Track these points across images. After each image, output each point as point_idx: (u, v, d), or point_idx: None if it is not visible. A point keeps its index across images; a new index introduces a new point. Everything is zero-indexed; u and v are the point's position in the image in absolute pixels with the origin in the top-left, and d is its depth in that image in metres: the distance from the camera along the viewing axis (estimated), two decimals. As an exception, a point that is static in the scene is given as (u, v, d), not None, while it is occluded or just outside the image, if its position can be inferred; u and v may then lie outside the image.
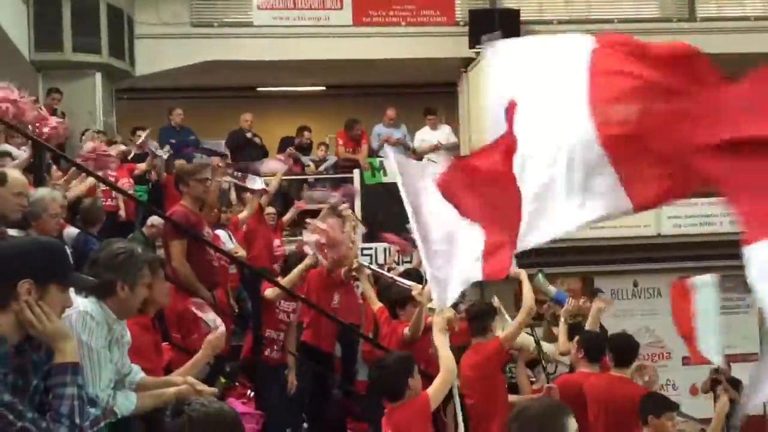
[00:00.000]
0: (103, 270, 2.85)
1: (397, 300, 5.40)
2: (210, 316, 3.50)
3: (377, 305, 5.96)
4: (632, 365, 5.04)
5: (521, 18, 10.92)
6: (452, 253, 3.54)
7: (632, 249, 10.22)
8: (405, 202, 3.71)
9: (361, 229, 7.64)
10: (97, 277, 2.75)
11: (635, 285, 10.71)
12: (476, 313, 5.26)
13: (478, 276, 3.41)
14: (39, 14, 9.56)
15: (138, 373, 3.07)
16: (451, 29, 11.46)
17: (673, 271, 10.69)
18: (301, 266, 5.69)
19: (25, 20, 9.51)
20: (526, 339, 5.68)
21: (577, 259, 10.11)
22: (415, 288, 5.11)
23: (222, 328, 3.40)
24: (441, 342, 3.67)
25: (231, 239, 6.41)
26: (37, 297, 2.22)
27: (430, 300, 3.94)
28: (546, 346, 5.80)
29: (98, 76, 9.89)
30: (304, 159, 10.35)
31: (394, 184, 10.84)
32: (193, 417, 2.06)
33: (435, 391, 3.64)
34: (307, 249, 5.77)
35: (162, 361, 3.71)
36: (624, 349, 4.99)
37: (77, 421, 2.18)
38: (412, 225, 3.70)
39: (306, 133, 10.61)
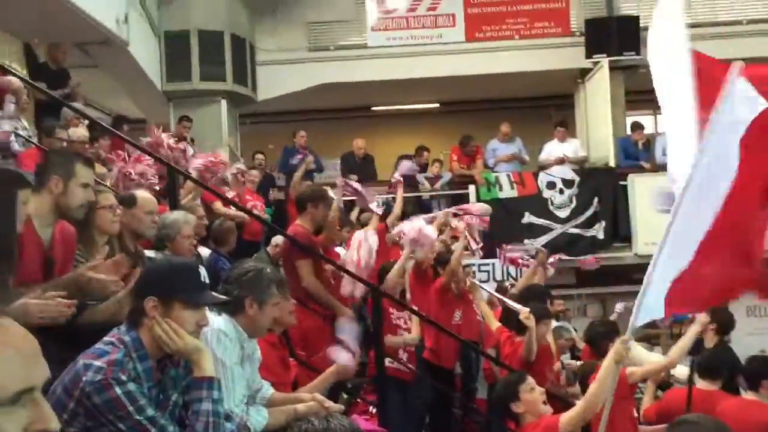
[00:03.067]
0: (233, 287, 2.96)
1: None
2: (344, 353, 3.53)
3: (496, 325, 5.90)
4: (762, 389, 4.74)
5: (640, 24, 10.54)
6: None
7: (769, 262, 9.57)
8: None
9: (477, 246, 7.54)
10: (227, 294, 2.88)
11: (775, 299, 10.00)
12: (593, 336, 5.07)
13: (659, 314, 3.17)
14: (169, 47, 10.18)
15: (269, 389, 3.17)
16: (566, 40, 11.25)
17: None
18: (401, 260, 5.63)
19: (158, 54, 10.16)
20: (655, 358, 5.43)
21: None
22: (523, 312, 5.01)
23: (352, 363, 3.44)
24: (608, 370, 3.35)
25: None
26: (162, 313, 2.33)
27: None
28: (678, 370, 5.52)
29: (224, 102, 10.39)
30: (419, 177, 10.41)
31: (510, 200, 10.72)
32: (302, 429, 1.96)
33: (569, 420, 3.39)
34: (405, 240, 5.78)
35: (289, 376, 3.82)
36: (758, 371, 4.71)
37: None
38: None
39: (426, 153, 10.63)
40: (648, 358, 5.45)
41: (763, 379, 4.73)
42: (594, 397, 3.37)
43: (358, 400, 6.29)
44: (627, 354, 3.35)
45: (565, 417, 3.40)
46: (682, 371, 5.62)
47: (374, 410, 5.82)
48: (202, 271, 2.54)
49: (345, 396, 5.85)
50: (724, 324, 5.76)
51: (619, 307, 7.43)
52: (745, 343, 7.42)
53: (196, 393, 2.32)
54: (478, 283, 6.37)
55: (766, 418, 4.34)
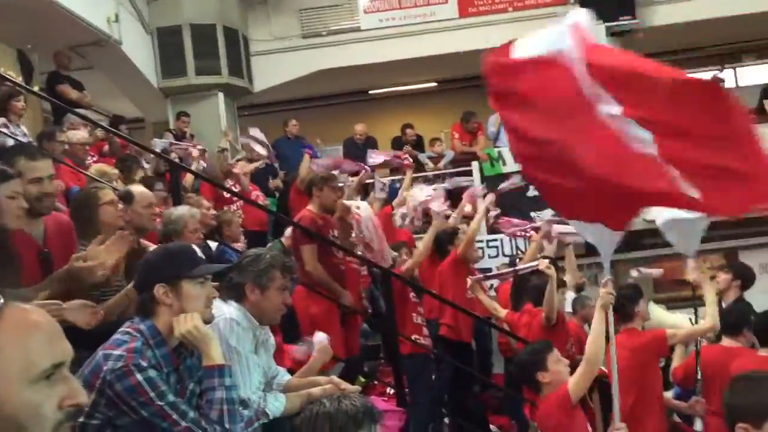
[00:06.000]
0: (235, 275, 2.98)
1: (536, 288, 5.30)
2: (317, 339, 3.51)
3: (503, 313, 5.85)
4: None
5: (636, -10, 10.41)
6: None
7: (780, 218, 9.51)
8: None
9: (495, 212, 7.54)
10: (230, 282, 2.89)
11: (788, 257, 9.96)
12: (619, 299, 5.01)
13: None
14: (163, 44, 10.13)
15: (284, 375, 3.18)
16: (560, 8, 11.12)
17: (829, 239, 9.89)
18: (431, 231, 5.69)
19: (151, 51, 10.11)
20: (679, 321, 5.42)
21: (718, 234, 9.53)
22: (542, 263, 4.96)
23: (324, 340, 3.42)
24: (598, 320, 3.38)
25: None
26: (174, 296, 2.36)
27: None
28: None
29: (220, 96, 10.33)
30: (422, 157, 10.37)
31: (514, 174, 10.63)
32: (313, 412, 1.99)
33: (575, 384, 3.40)
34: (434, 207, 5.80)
35: (283, 363, 3.81)
36: (765, 328, 4.69)
37: (226, 425, 2.28)
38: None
39: (409, 131, 10.62)
40: (669, 320, 5.43)
41: None
42: (593, 354, 3.38)
43: (376, 382, 6.32)
44: (612, 300, 3.36)
45: (572, 381, 3.40)
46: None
47: (392, 391, 5.84)
48: (197, 249, 2.54)
49: (362, 379, 5.89)
50: (746, 279, 5.72)
51: (634, 273, 7.39)
52: (761, 300, 7.39)
53: (208, 382, 2.34)
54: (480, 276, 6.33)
55: None
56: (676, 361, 5.34)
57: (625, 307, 4.81)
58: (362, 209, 5.46)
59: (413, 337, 5.46)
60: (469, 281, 5.87)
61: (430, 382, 5.59)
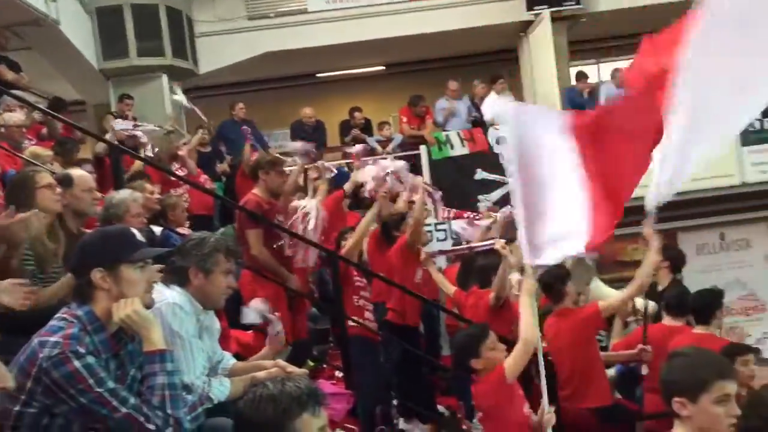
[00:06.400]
0: (178, 259, 2.93)
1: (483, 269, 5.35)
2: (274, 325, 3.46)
3: (452, 289, 5.93)
4: (714, 321, 4.91)
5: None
6: (553, 217, 3.34)
7: (716, 201, 9.83)
8: (510, 152, 3.38)
9: (438, 194, 7.58)
10: (173, 266, 2.84)
11: (722, 238, 10.32)
12: (549, 280, 5.15)
13: (579, 249, 3.32)
14: (103, 24, 9.84)
15: (230, 360, 3.15)
16: (507, -4, 11.22)
17: (762, 220, 10.27)
18: (369, 215, 5.68)
19: (91, 32, 9.82)
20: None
21: (658, 215, 9.80)
22: (498, 242, 5.03)
23: (280, 330, 3.38)
24: (526, 305, 3.49)
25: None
26: (112, 281, 2.30)
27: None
28: (639, 302, 5.67)
29: (164, 78, 10.12)
30: (371, 141, 10.36)
31: (462, 157, 10.74)
32: (257, 395, 1.94)
33: (511, 362, 3.46)
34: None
35: (229, 348, 3.78)
36: (700, 306, 4.89)
37: (168, 410, 2.25)
38: (513, 180, 3.38)
39: (357, 114, 10.60)
40: (611, 294, 5.59)
41: (716, 310, 4.90)
42: (529, 334, 3.44)
43: (325, 366, 6.33)
44: (534, 288, 3.50)
45: (508, 363, 3.46)
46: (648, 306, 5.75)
47: (341, 375, 5.85)
48: (136, 232, 2.48)
49: (311, 363, 5.88)
50: (675, 262, 5.92)
51: None
52: (696, 280, 7.64)
53: (150, 367, 2.30)
54: (435, 250, 6.39)
55: (713, 347, 4.49)
56: (615, 337, 5.50)
57: (555, 287, 4.97)
58: (308, 206, 5.47)
59: (357, 319, 5.48)
60: (422, 254, 5.92)
61: (376, 364, 5.61)
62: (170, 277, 2.91)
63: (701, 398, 2.22)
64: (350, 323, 5.27)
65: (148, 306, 2.39)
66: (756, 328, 9.88)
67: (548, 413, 3.48)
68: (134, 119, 8.91)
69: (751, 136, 9.74)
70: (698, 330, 4.89)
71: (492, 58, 12.47)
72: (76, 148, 6.60)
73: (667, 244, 7.97)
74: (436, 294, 6.76)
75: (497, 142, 9.90)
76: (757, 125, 9.76)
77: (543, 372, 3.60)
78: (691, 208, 9.80)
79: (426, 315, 6.67)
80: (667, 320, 5.14)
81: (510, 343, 3.73)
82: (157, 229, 5.56)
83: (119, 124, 7.43)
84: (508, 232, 6.42)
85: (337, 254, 5.43)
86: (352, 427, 4.95)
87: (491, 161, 10.02)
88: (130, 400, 2.21)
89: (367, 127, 10.75)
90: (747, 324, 9.06)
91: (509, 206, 7.19)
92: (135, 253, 2.37)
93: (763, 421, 3.19)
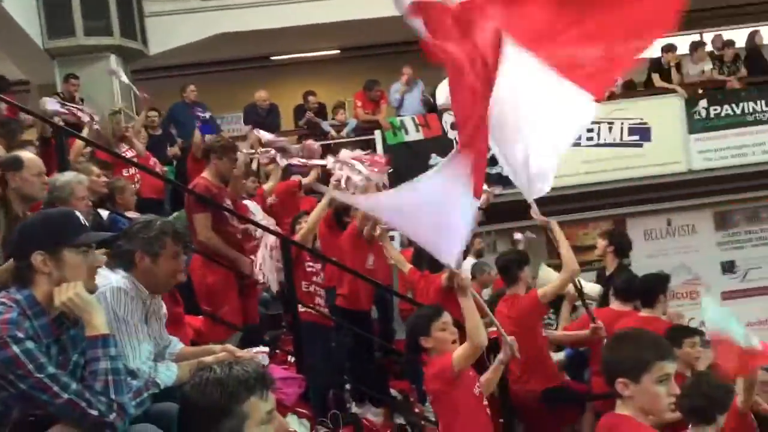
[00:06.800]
0: (124, 242, 2.87)
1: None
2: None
3: (407, 267, 5.98)
4: (659, 305, 5.04)
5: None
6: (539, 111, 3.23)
7: (663, 187, 10.07)
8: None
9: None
10: (119, 249, 2.78)
11: (669, 224, 10.58)
12: (505, 263, 5.22)
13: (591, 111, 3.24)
14: (48, 1, 9.54)
15: (177, 344, 3.10)
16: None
17: (707, 206, 10.57)
18: (323, 201, 5.62)
19: (35, 9, 9.50)
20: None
21: (607, 202, 9.99)
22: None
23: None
24: (468, 307, 3.40)
25: (259, 210, 6.42)
26: (53, 265, 2.25)
27: None
28: (587, 287, 5.77)
29: (113, 58, 9.86)
30: (324, 125, 10.29)
31: (417, 142, 10.74)
32: (203, 378, 1.91)
33: (459, 357, 3.42)
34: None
35: (184, 333, 3.72)
36: (645, 290, 4.99)
37: (112, 396, 2.20)
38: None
39: (311, 98, 10.51)
40: (553, 278, 5.67)
41: (660, 294, 5.02)
42: (475, 332, 3.40)
43: (277, 351, 6.29)
44: (468, 284, 3.43)
45: (456, 354, 3.43)
46: (594, 289, 5.89)
47: (293, 359, 5.83)
48: (80, 215, 2.41)
49: (263, 348, 5.82)
50: (621, 247, 6.04)
51: (518, 236, 7.69)
52: (644, 265, 7.82)
53: (92, 353, 2.24)
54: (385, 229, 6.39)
55: (656, 329, 4.60)
56: (563, 322, 5.60)
57: (511, 270, 5.06)
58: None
59: (307, 305, 5.46)
60: (378, 230, 5.92)
61: (327, 349, 5.61)
62: (115, 261, 2.85)
63: (642, 378, 2.27)
64: (301, 308, 5.24)
65: (92, 291, 2.33)
66: (699, 311, 10.17)
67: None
68: (81, 100, 8.68)
69: (697, 124, 9.98)
70: (643, 313, 5.00)
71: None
72: (20, 129, 6.38)
73: (612, 229, 8.17)
74: (390, 279, 6.79)
75: (452, 128, 9.94)
76: (704, 114, 10.00)
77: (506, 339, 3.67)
78: (639, 194, 10.03)
79: (379, 300, 6.70)
80: (615, 305, 5.25)
81: (462, 327, 3.75)
82: (105, 213, 5.45)
83: (50, 104, 7.15)
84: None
85: (289, 239, 5.40)
86: (305, 411, 4.93)
87: (446, 146, 10.06)
88: (71, 386, 2.15)
89: (321, 111, 10.67)
90: (691, 307, 9.31)
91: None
92: (78, 237, 2.31)
93: (708, 399, 3.30)
